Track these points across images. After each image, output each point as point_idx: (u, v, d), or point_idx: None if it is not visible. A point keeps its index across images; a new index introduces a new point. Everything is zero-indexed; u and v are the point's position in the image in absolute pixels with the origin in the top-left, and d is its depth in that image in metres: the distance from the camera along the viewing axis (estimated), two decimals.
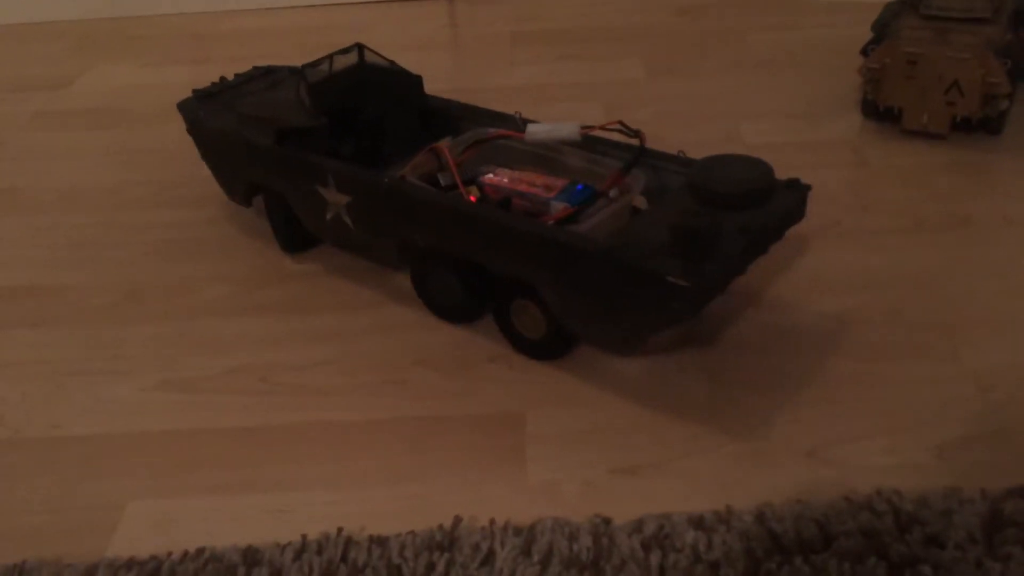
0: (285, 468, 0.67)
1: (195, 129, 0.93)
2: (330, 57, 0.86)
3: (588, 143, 0.80)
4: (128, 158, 1.12)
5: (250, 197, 0.92)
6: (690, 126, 1.10)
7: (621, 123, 0.77)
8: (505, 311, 0.76)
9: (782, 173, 0.71)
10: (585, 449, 0.67)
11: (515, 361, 0.75)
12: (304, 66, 0.85)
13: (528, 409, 0.70)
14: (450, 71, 1.30)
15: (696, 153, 0.76)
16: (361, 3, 1.59)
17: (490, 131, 0.84)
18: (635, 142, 0.76)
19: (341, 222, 0.82)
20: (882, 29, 1.03)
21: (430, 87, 0.93)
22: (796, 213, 0.71)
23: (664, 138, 1.06)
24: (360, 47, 0.88)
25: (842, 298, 0.80)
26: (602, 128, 0.77)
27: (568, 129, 0.78)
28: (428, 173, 0.79)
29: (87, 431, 0.71)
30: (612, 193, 0.75)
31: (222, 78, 0.98)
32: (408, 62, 1.03)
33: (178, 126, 1.04)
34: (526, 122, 0.82)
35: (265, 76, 0.98)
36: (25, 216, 1.01)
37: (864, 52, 1.04)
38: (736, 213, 0.67)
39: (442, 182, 0.79)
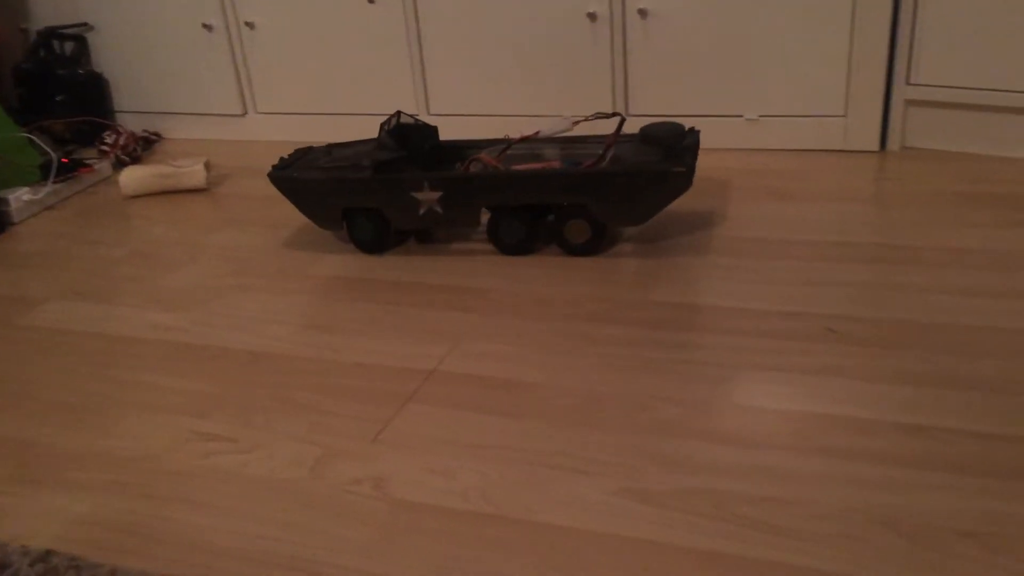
0: None
1: (287, 185, 1.32)
2: (389, 119, 1.30)
3: (568, 140, 1.33)
4: (586, 275, 1.23)
5: (342, 222, 1.32)
6: None
7: (598, 112, 1.34)
8: (560, 232, 1.25)
9: None
10: None
11: (994, 542, 0.70)
12: (382, 123, 1.30)
13: None
14: (875, 224, 1.29)
15: None
16: (797, 151, 1.63)
17: (513, 139, 1.32)
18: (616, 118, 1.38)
19: (432, 212, 1.26)
20: None
21: (848, 238, 1.26)
22: (696, 144, 1.28)
23: None
24: (399, 113, 1.32)
25: None
26: (586, 119, 1.28)
27: (564, 124, 1.27)
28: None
29: (560, 522, 0.77)
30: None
31: (281, 158, 1.38)
32: (827, 211, 1.36)
33: (639, 256, 1.13)
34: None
35: (306, 152, 1.40)
36: (502, 318, 1.14)
37: None
38: (671, 145, 1.22)
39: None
